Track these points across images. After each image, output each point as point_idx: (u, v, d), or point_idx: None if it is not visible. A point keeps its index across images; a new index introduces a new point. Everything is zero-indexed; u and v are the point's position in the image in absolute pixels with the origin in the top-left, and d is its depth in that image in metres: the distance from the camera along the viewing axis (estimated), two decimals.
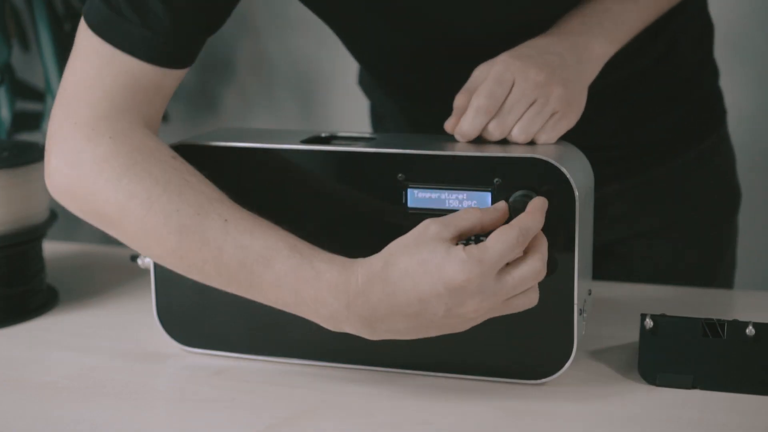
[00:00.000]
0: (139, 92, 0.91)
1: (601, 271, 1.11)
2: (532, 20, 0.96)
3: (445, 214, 0.83)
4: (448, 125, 0.91)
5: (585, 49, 0.93)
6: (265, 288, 0.84)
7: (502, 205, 0.84)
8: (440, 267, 0.78)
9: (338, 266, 0.82)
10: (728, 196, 1.23)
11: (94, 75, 0.91)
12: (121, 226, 0.89)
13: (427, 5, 0.96)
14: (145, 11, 0.89)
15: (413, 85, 1.10)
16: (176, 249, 0.86)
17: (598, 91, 0.99)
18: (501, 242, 0.79)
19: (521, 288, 0.80)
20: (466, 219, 0.82)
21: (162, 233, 0.86)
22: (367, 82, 1.24)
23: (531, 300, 0.82)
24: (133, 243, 0.90)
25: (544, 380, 0.89)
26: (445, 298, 0.79)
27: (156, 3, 0.89)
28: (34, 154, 1.12)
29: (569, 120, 0.90)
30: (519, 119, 0.89)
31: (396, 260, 0.80)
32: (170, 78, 0.92)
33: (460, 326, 0.82)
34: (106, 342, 1.02)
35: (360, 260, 0.82)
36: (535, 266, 0.80)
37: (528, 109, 0.89)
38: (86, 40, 0.91)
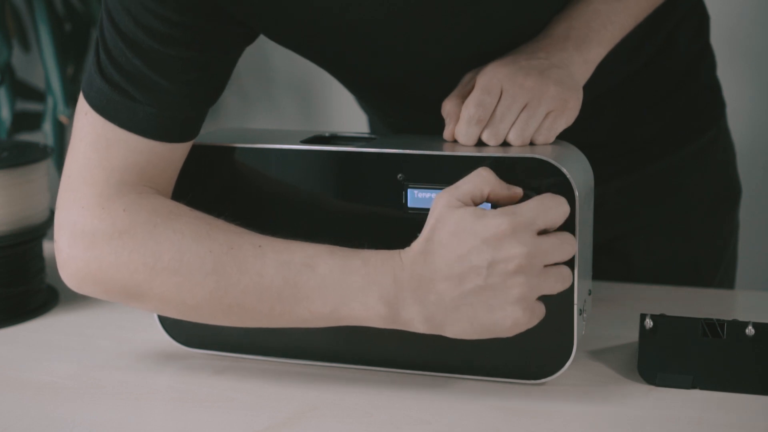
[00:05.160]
0: (149, 168, 0.89)
1: (601, 269, 1.11)
2: (514, 43, 0.95)
3: None
4: (447, 134, 0.91)
5: (575, 52, 0.93)
6: (310, 296, 0.84)
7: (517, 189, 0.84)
8: (473, 228, 0.81)
9: (382, 252, 0.84)
10: (728, 191, 1.22)
11: (99, 156, 0.88)
12: (151, 292, 0.87)
13: (406, 42, 0.94)
14: (148, 88, 0.87)
15: (401, 108, 1.09)
16: (215, 289, 0.85)
17: (599, 93, 0.98)
18: (533, 203, 0.82)
19: (558, 250, 0.82)
20: (467, 180, 0.83)
21: (198, 279, 0.85)
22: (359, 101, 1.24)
23: (564, 277, 0.83)
24: (165, 306, 0.88)
25: (544, 380, 0.89)
26: (483, 251, 0.80)
27: (159, 79, 0.87)
28: (34, 154, 1.12)
29: (567, 118, 0.90)
30: (513, 125, 0.88)
31: (432, 237, 0.82)
32: (179, 151, 0.90)
33: (504, 295, 0.81)
34: (106, 342, 1.02)
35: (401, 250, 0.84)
36: (568, 236, 0.82)
37: (520, 113, 0.88)
38: (88, 121, 0.89)
